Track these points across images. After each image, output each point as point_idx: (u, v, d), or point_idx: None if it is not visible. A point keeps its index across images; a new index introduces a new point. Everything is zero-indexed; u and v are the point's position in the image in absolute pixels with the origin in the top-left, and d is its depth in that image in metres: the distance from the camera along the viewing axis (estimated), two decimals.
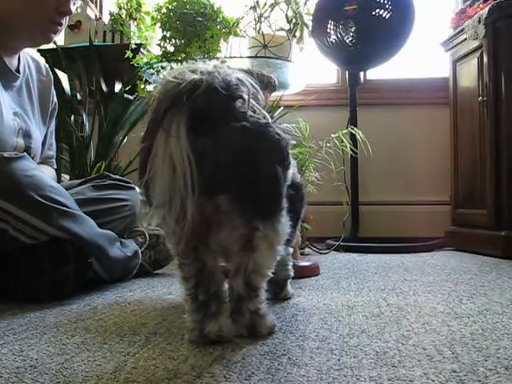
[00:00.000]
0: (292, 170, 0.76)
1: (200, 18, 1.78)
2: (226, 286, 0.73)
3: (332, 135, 1.75)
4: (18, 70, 1.24)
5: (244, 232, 0.68)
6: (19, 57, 1.25)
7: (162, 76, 0.68)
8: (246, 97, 0.67)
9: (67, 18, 1.20)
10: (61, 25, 1.19)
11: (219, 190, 0.65)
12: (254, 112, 0.70)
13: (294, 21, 2.09)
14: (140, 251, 1.33)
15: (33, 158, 1.22)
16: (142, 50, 2.02)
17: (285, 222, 0.72)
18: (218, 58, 1.85)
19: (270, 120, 0.71)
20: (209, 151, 0.63)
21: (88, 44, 2.06)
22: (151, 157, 0.62)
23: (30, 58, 1.32)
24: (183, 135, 0.61)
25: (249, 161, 0.65)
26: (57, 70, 1.96)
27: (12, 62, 1.22)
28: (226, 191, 0.65)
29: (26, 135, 1.23)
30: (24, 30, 1.17)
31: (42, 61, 1.39)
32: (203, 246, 0.69)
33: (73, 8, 1.19)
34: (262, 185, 0.67)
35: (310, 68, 2.32)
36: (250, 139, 0.66)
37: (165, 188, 0.61)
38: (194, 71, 0.65)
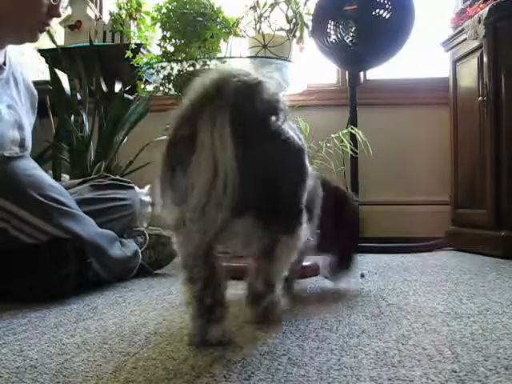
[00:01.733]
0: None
1: (200, 18, 1.78)
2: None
3: (332, 135, 1.75)
4: (4, 64, 1.24)
5: (266, 242, 0.72)
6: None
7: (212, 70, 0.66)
8: (281, 115, 0.68)
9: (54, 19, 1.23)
10: (49, 25, 1.21)
11: (248, 205, 0.65)
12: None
13: (293, 21, 2.09)
14: (140, 251, 1.33)
15: (26, 150, 1.23)
16: (142, 49, 2.02)
17: (303, 233, 0.75)
18: (218, 58, 1.85)
19: (293, 134, 0.72)
20: (246, 162, 0.61)
21: (88, 44, 2.06)
22: (189, 148, 0.59)
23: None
24: (227, 132, 0.58)
25: (275, 180, 0.67)
26: (57, 70, 1.96)
27: None
28: (253, 208, 0.66)
29: (20, 127, 1.24)
30: (14, 29, 1.19)
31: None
32: (215, 251, 0.70)
33: (61, 11, 1.21)
34: (286, 203, 0.70)
35: (310, 68, 2.32)
36: (278, 159, 0.68)
37: (201, 192, 0.58)
38: (247, 75, 0.64)
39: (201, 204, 0.59)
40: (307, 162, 0.76)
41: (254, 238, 0.70)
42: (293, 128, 0.77)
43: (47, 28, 1.22)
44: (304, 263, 1.35)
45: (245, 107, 0.62)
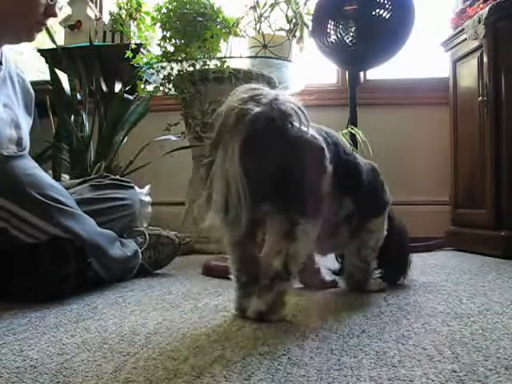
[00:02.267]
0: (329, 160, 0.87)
1: (200, 18, 1.78)
2: None
3: None
4: (0, 63, 1.24)
5: (287, 225, 0.79)
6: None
7: (230, 96, 0.81)
8: (295, 124, 0.78)
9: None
10: (45, 25, 1.22)
11: (262, 198, 0.78)
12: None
13: (294, 21, 2.09)
14: (140, 251, 1.33)
15: (24, 149, 1.23)
16: (142, 49, 2.02)
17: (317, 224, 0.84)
18: (218, 58, 1.85)
19: (308, 133, 0.81)
20: (253, 169, 0.75)
21: (88, 44, 2.06)
22: (212, 170, 0.78)
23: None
24: (236, 157, 0.73)
25: (287, 168, 0.78)
26: (57, 70, 1.96)
27: None
28: (267, 198, 0.78)
29: (17, 126, 1.23)
30: (12, 29, 1.19)
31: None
32: (247, 239, 0.84)
33: (58, 11, 1.22)
34: (300, 187, 0.79)
35: (310, 68, 2.32)
36: (285, 153, 0.78)
37: (221, 199, 0.75)
38: (258, 101, 0.76)
39: (220, 208, 0.76)
40: (326, 159, 0.85)
41: (275, 221, 0.80)
42: (317, 128, 0.87)
43: (43, 28, 1.22)
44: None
45: (257, 130, 0.75)
